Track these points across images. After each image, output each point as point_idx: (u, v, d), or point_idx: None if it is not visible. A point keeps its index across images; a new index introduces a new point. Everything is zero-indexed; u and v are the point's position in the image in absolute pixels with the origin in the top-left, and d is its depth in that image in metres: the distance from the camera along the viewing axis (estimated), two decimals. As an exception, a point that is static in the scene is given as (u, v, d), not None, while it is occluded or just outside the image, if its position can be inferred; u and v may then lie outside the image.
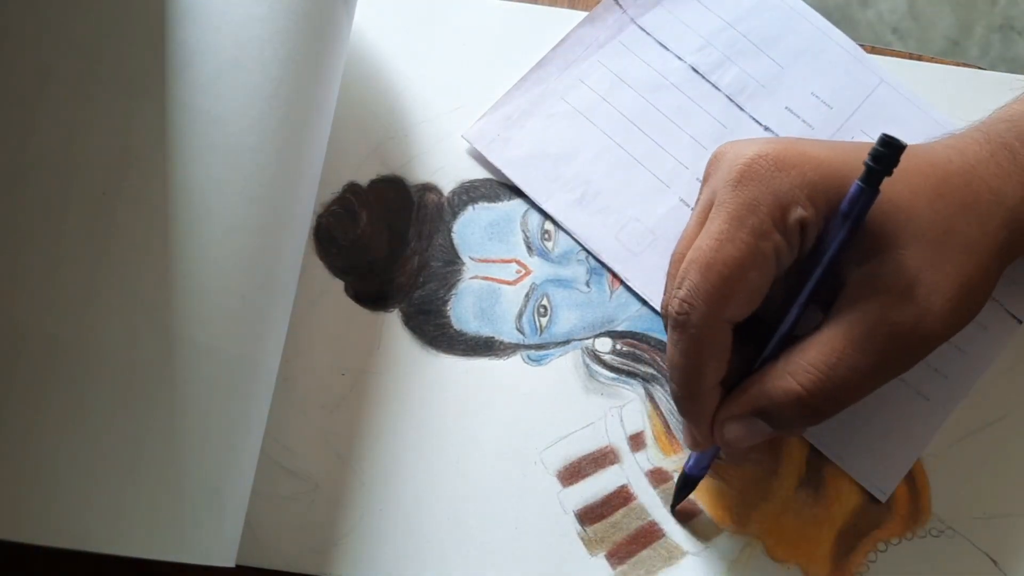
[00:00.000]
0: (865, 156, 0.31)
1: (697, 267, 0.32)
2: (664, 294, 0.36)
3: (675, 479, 0.38)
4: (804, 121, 0.43)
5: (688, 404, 0.35)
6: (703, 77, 0.44)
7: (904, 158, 0.32)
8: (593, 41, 0.45)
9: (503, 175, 0.43)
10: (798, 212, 0.32)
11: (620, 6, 0.45)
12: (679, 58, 0.44)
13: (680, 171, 0.43)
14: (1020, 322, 0.40)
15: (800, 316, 0.34)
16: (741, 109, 0.43)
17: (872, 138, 0.42)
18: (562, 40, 0.45)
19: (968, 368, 0.39)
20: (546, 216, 0.42)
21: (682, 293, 0.33)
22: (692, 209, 0.36)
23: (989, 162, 0.34)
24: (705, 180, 0.36)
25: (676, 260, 0.35)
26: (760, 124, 0.43)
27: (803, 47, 0.44)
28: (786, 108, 0.43)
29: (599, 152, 0.43)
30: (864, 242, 0.33)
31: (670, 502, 0.38)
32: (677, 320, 0.33)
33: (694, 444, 0.36)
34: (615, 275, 0.41)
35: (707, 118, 0.43)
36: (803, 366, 0.32)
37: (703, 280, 0.32)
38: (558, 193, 0.43)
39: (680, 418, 0.38)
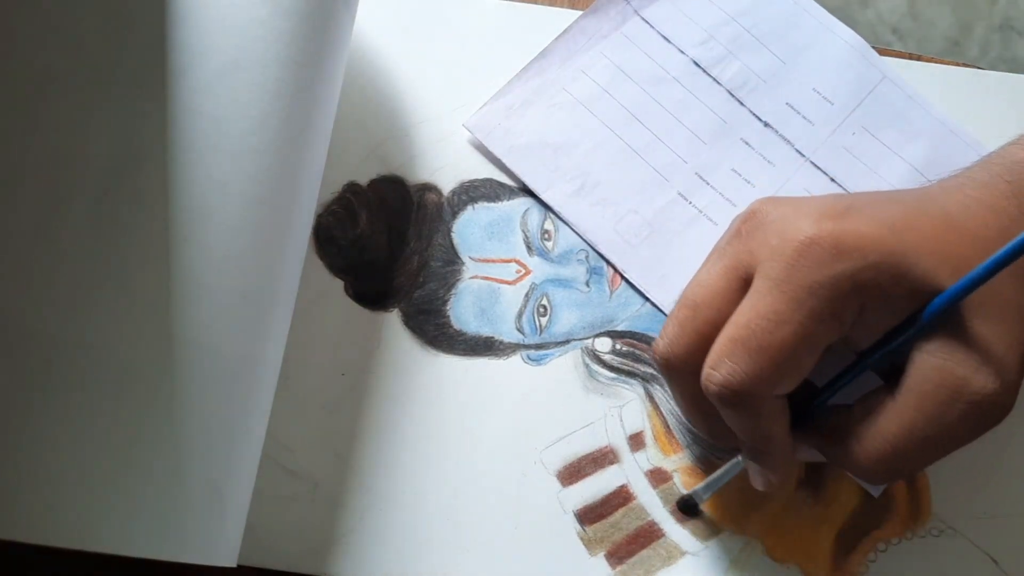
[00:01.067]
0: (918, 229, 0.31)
1: (745, 349, 0.31)
2: (662, 337, 0.35)
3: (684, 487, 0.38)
4: (804, 117, 0.43)
5: (767, 461, 0.34)
6: (704, 71, 0.44)
7: (948, 228, 0.32)
8: (596, 32, 0.45)
9: (503, 164, 0.43)
10: (862, 296, 0.31)
11: None
12: (681, 51, 0.44)
13: (679, 165, 0.43)
14: None
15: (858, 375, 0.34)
16: (742, 104, 0.43)
17: (874, 135, 0.42)
18: (565, 31, 0.45)
19: None
20: (545, 206, 0.42)
21: (719, 377, 0.32)
22: (709, 258, 0.35)
23: (1020, 220, 0.33)
24: (736, 235, 0.34)
25: (686, 304, 0.34)
26: (760, 120, 0.43)
27: (806, 42, 0.44)
28: (787, 104, 0.43)
29: (599, 143, 0.43)
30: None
31: (689, 496, 0.38)
32: (722, 399, 0.32)
33: (767, 486, 0.35)
34: (612, 266, 0.41)
35: (707, 112, 0.43)
36: (873, 435, 0.32)
37: (752, 364, 0.31)
38: (558, 183, 0.43)
39: (684, 418, 0.38)
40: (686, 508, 0.38)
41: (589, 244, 0.42)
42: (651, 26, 0.45)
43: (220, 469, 0.34)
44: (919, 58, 0.45)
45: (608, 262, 0.42)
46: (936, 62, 0.44)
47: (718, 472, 0.37)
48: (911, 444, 0.32)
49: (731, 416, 0.33)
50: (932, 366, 0.31)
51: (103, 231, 0.33)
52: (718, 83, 0.44)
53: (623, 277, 0.41)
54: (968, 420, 0.31)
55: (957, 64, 0.44)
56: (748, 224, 0.34)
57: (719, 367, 0.32)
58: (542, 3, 0.46)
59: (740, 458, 0.36)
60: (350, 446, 0.39)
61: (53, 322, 0.32)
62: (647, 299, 0.41)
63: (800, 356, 0.31)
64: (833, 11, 0.45)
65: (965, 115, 0.43)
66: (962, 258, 0.31)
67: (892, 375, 0.33)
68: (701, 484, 0.37)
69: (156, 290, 0.33)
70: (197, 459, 0.33)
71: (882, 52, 0.45)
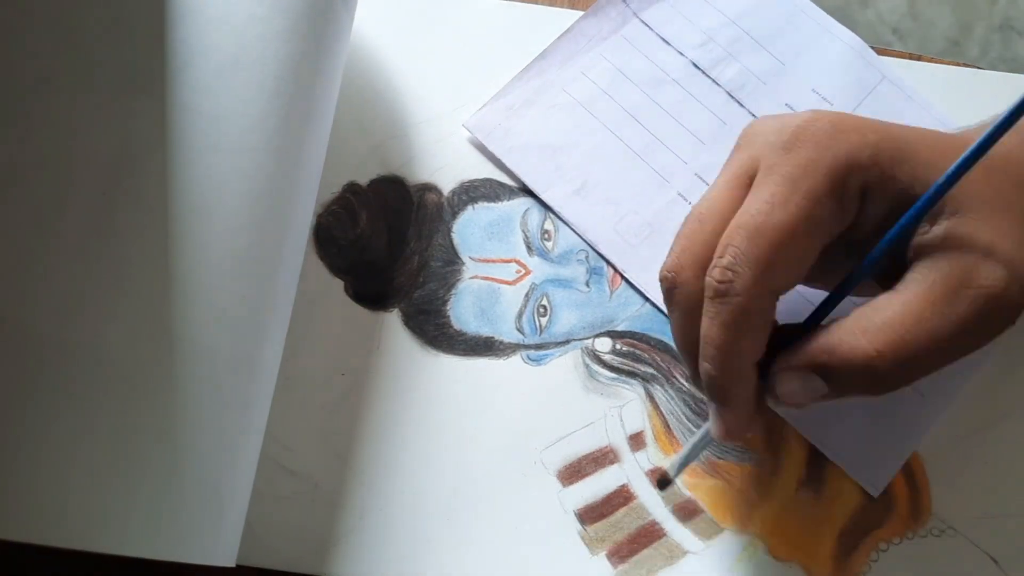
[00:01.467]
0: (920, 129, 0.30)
1: (745, 232, 0.30)
2: (670, 254, 0.33)
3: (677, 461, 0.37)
4: None
5: (727, 384, 0.31)
6: (704, 73, 0.44)
7: (950, 137, 0.31)
8: (596, 34, 0.45)
9: (503, 164, 0.43)
10: (860, 176, 0.30)
11: (624, 0, 0.45)
12: (680, 53, 0.44)
13: (679, 166, 0.43)
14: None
15: (859, 281, 0.32)
16: (741, 105, 0.43)
17: None
18: (565, 32, 0.45)
19: (964, 364, 0.39)
20: (545, 207, 0.42)
21: (725, 261, 0.30)
22: (716, 177, 0.34)
23: None
24: (738, 149, 0.34)
25: (694, 219, 0.32)
26: None
27: (805, 43, 0.44)
28: (786, 104, 0.43)
29: (599, 144, 0.43)
30: (937, 203, 0.30)
31: (668, 471, 0.37)
32: (719, 290, 0.30)
33: (727, 433, 0.33)
34: (612, 266, 0.41)
35: (707, 114, 0.43)
36: (878, 325, 0.29)
37: (752, 246, 0.30)
38: (558, 184, 0.43)
39: (696, 408, 0.37)
40: (662, 484, 0.38)
41: (589, 244, 0.42)
42: (650, 28, 0.45)
43: (219, 468, 0.34)
44: (919, 58, 0.45)
45: (608, 262, 0.42)
46: (936, 62, 0.44)
47: (689, 443, 0.36)
48: (922, 336, 0.29)
49: (717, 313, 0.31)
50: (937, 257, 0.30)
51: (101, 231, 0.33)
52: (717, 84, 0.44)
53: (623, 277, 0.41)
54: (980, 313, 0.29)
55: (957, 64, 0.44)
56: (746, 137, 0.34)
57: (724, 254, 0.30)
58: (542, 3, 0.46)
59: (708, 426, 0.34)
60: (350, 446, 0.39)
61: (50, 321, 0.32)
62: (647, 299, 0.41)
63: (800, 240, 0.30)
64: (833, 11, 0.45)
65: (965, 115, 0.43)
66: (1007, 199, 0.30)
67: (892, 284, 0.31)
68: (674, 457, 0.37)
69: (154, 289, 0.33)
70: (196, 458, 0.33)
71: (882, 52, 0.45)
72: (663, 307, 0.41)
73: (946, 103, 0.43)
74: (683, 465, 0.37)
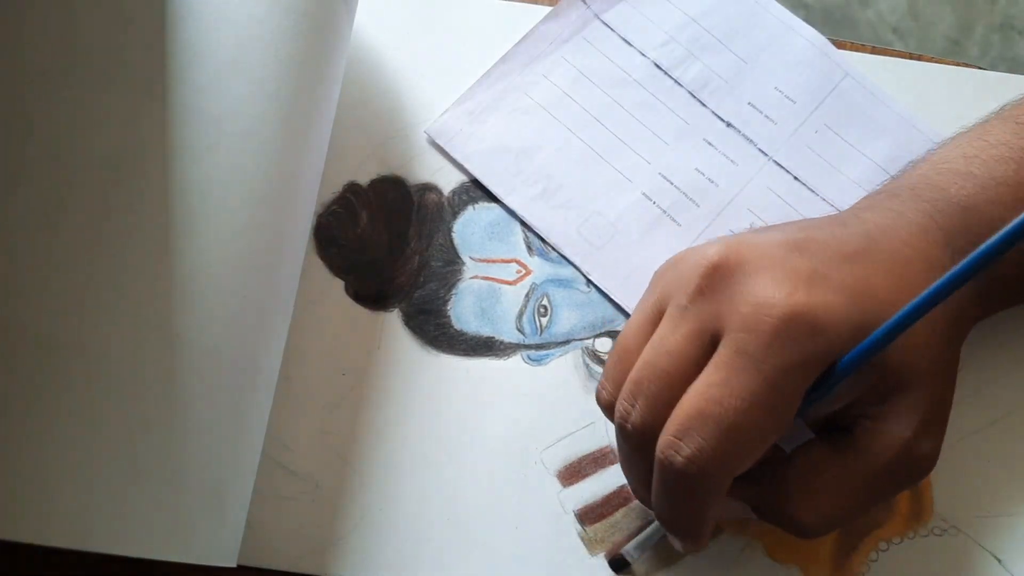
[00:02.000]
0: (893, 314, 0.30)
1: (716, 427, 0.30)
2: (603, 387, 0.34)
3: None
4: (766, 116, 0.43)
5: (686, 539, 0.33)
6: (666, 73, 0.44)
7: (898, 289, 0.32)
8: (557, 36, 0.45)
9: (465, 169, 0.43)
10: (823, 370, 0.31)
11: (584, 2, 0.45)
12: (642, 54, 0.44)
13: (642, 166, 0.43)
14: None
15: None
16: (703, 105, 0.43)
17: (837, 132, 0.42)
18: (526, 36, 0.45)
19: None
20: (508, 211, 0.42)
21: (688, 451, 0.30)
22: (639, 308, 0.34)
23: (945, 260, 0.33)
24: (700, 295, 0.32)
25: (657, 376, 0.32)
26: (722, 120, 0.43)
27: (766, 41, 0.44)
28: (749, 103, 0.43)
29: (561, 147, 0.43)
30: (885, 380, 0.32)
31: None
32: (681, 476, 0.30)
33: (686, 551, 0.36)
34: (576, 268, 0.41)
35: (669, 114, 0.43)
36: (816, 495, 0.32)
37: (722, 443, 0.30)
38: (520, 188, 0.43)
39: (624, 473, 0.36)
40: (616, 566, 0.37)
41: (553, 247, 0.42)
42: (611, 29, 0.45)
43: (219, 469, 0.34)
44: (919, 58, 0.45)
45: (573, 264, 0.41)
46: (936, 62, 0.44)
47: (648, 530, 0.36)
48: (854, 503, 0.32)
49: (679, 493, 0.31)
50: (881, 431, 0.32)
51: (102, 231, 0.33)
52: (679, 84, 0.44)
53: (587, 279, 0.41)
54: (910, 479, 0.33)
55: (957, 64, 0.44)
56: (710, 281, 0.32)
57: (687, 440, 0.30)
58: (542, 3, 0.46)
59: None
60: (350, 446, 0.39)
61: (50, 321, 0.32)
62: (612, 301, 0.41)
63: (770, 439, 0.31)
64: (834, 10, 0.45)
65: (965, 115, 0.43)
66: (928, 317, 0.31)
67: (825, 428, 0.34)
68: (632, 543, 0.37)
69: (154, 289, 0.33)
70: (196, 459, 0.33)
71: (882, 52, 0.45)
72: (627, 308, 0.41)
73: (946, 103, 0.43)
74: (642, 549, 0.37)
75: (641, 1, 0.45)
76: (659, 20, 0.45)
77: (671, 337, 0.32)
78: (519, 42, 0.45)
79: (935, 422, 0.33)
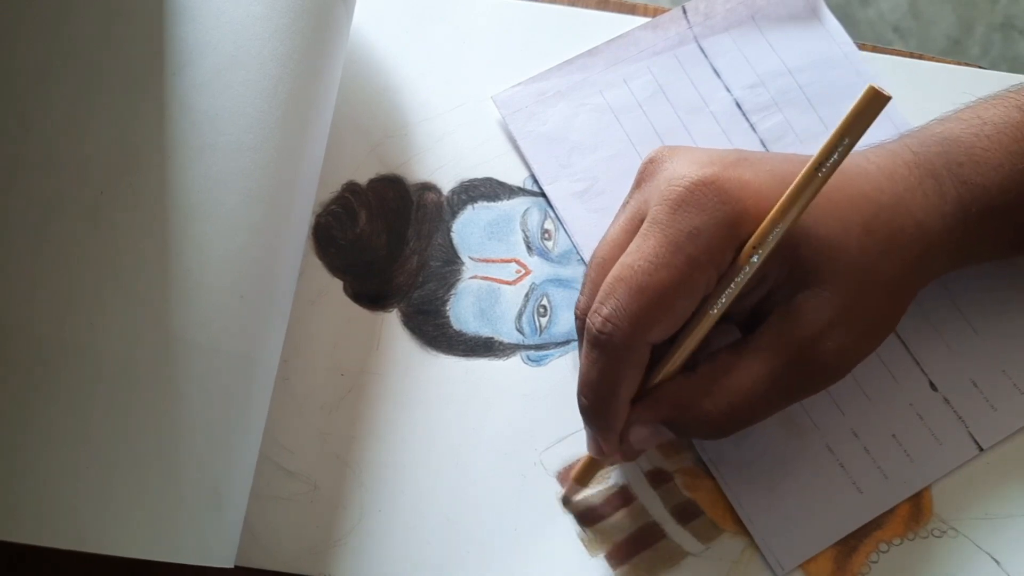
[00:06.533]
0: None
1: (626, 287, 0.32)
2: (581, 295, 0.35)
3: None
4: None
5: (599, 419, 0.34)
6: (744, 115, 0.43)
7: (836, 188, 0.33)
8: (649, 46, 0.44)
9: (517, 145, 0.43)
10: (733, 246, 0.32)
11: (688, 20, 0.44)
12: (727, 89, 0.44)
13: None
14: (981, 449, 0.38)
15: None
16: None
17: None
18: (619, 36, 0.44)
19: (912, 476, 0.38)
20: (545, 200, 0.42)
21: (606, 311, 0.32)
22: (618, 212, 0.36)
23: (916, 191, 0.34)
24: (637, 185, 0.35)
25: (597, 264, 0.34)
26: None
27: None
28: None
29: (616, 154, 0.43)
30: (793, 274, 0.33)
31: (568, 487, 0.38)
32: (598, 339, 0.33)
33: (598, 452, 0.36)
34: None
35: None
36: (724, 391, 0.33)
37: (632, 302, 0.32)
38: (564, 180, 0.42)
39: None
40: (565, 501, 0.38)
41: (575, 247, 0.42)
42: (705, 55, 0.44)
43: (217, 469, 0.34)
44: (920, 57, 0.45)
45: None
46: (937, 61, 0.44)
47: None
48: (755, 401, 0.33)
49: (596, 360, 0.33)
50: (782, 330, 0.33)
51: (99, 230, 0.33)
52: (754, 130, 0.43)
53: None
54: (803, 384, 0.34)
55: (958, 63, 0.44)
56: (645, 173, 0.35)
57: (607, 303, 0.32)
58: (542, 1, 0.46)
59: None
60: (349, 446, 0.39)
61: (49, 321, 0.32)
62: None
63: (677, 299, 0.32)
64: (834, 10, 0.45)
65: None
66: (843, 218, 0.33)
67: (750, 329, 0.34)
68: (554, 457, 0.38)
69: (152, 289, 0.33)
70: (194, 459, 0.33)
71: (883, 51, 0.44)
72: None
73: (947, 103, 0.43)
74: (562, 460, 0.38)
75: (744, 38, 0.44)
76: (755, 61, 0.44)
77: (609, 230, 0.35)
78: (610, 40, 0.44)
79: (842, 326, 0.33)
